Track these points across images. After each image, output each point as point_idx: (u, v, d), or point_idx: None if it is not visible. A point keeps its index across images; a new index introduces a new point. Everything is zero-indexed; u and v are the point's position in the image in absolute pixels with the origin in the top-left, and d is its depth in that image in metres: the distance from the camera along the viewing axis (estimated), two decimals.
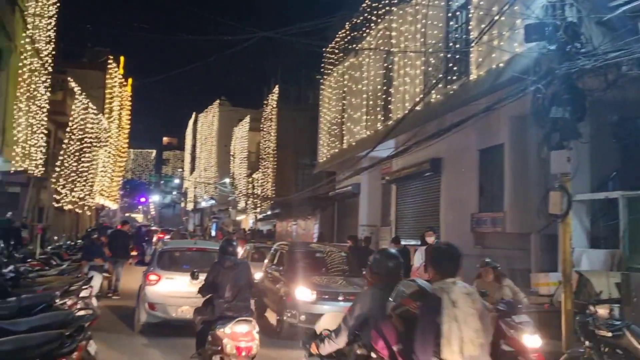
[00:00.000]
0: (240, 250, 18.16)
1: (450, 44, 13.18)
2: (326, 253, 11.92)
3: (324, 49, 22.24)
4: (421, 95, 13.54)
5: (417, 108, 13.12)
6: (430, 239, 10.65)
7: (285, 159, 34.75)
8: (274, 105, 35.83)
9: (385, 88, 16.82)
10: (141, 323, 9.57)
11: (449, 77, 12.84)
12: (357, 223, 20.64)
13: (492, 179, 12.11)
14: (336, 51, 21.60)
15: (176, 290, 9.12)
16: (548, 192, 7.81)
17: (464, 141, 12.26)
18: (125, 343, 8.87)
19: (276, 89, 35.72)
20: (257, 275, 12.66)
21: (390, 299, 3.38)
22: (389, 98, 16.27)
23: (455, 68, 12.57)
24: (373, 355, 3.55)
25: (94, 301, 8.92)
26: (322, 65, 23.34)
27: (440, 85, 12.83)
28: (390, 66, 16.58)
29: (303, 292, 9.67)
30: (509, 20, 9.32)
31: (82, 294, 8.46)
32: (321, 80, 23.92)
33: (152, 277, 9.47)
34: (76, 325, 4.92)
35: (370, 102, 17.74)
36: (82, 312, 5.98)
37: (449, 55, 12.96)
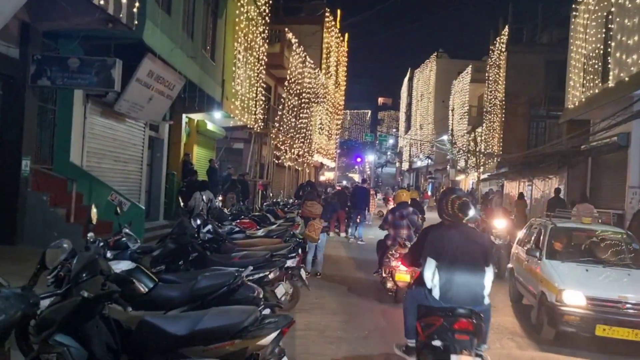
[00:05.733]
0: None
1: None
2: None
3: None
4: None
5: None
6: None
7: (515, 110, 30.25)
8: (503, 49, 31.20)
9: None
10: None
11: None
12: (624, 184, 15.96)
13: None
14: None
15: None
16: None
17: None
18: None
19: (506, 30, 30.95)
20: None
21: None
22: None
23: None
24: None
25: (303, 273, 7.06)
26: None
27: None
28: None
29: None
30: None
31: (288, 263, 6.62)
32: (573, 6, 19.07)
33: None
34: (254, 348, 2.76)
35: None
36: (274, 316, 3.86)
37: None
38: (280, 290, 6.14)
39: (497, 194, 19.41)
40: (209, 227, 6.92)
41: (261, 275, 5.93)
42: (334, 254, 12.89)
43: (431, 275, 4.46)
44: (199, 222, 7.07)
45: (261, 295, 4.64)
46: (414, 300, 4.71)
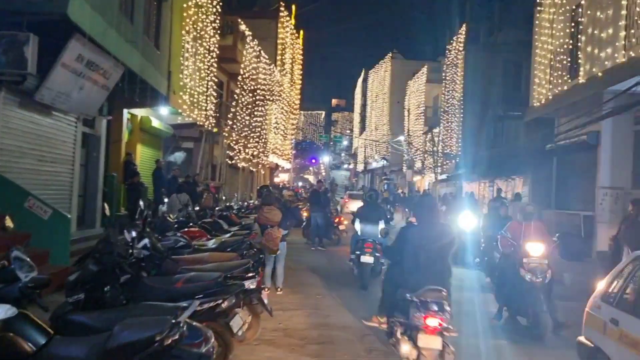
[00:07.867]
0: None
1: None
2: None
3: None
4: None
5: None
6: None
7: (472, 110, 29.84)
8: (460, 49, 30.73)
9: None
10: None
11: None
12: (593, 184, 15.39)
13: None
14: None
15: None
16: None
17: None
18: None
19: (463, 29, 30.50)
20: None
21: None
22: None
23: None
24: None
25: (264, 296, 5.72)
26: None
27: None
28: None
29: None
30: None
31: (247, 284, 5.28)
32: (537, 1, 18.49)
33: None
34: None
35: (638, 10, 12.24)
36: None
37: None
38: (237, 322, 4.81)
39: (530, 205, 10.87)
40: (146, 241, 5.48)
41: (212, 305, 4.58)
42: (295, 264, 11.57)
43: (358, 225, 10.39)
44: (133, 234, 5.61)
45: (210, 343, 3.30)
46: (353, 238, 10.55)
